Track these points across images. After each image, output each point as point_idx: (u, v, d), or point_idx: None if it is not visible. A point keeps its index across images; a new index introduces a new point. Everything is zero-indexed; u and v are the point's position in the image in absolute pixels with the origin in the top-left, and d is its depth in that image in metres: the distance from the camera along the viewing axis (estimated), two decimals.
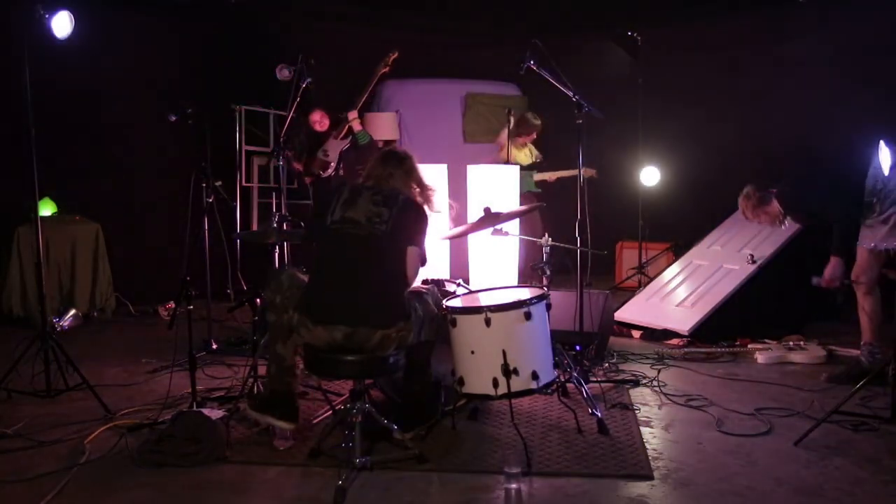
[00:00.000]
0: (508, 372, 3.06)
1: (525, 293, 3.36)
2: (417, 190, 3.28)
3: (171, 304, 5.92)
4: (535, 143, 6.67)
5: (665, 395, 3.88)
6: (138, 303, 6.21)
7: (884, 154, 3.55)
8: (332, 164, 5.92)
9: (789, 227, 5.46)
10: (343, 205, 3.08)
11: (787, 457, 3.05)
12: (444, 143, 7.47)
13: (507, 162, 6.51)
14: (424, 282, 3.69)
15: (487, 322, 3.07)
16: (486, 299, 3.34)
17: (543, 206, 4.87)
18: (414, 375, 3.28)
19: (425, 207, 3.24)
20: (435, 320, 3.19)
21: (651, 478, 2.85)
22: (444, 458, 3.03)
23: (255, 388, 3.66)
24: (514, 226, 4.69)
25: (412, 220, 3.12)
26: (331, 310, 2.95)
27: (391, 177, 3.20)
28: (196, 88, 6.35)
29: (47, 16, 3.72)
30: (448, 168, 5.08)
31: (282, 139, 4.87)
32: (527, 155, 6.59)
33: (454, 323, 3.17)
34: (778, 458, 3.04)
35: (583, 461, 3.00)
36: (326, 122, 5.97)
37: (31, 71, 3.75)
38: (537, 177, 6.64)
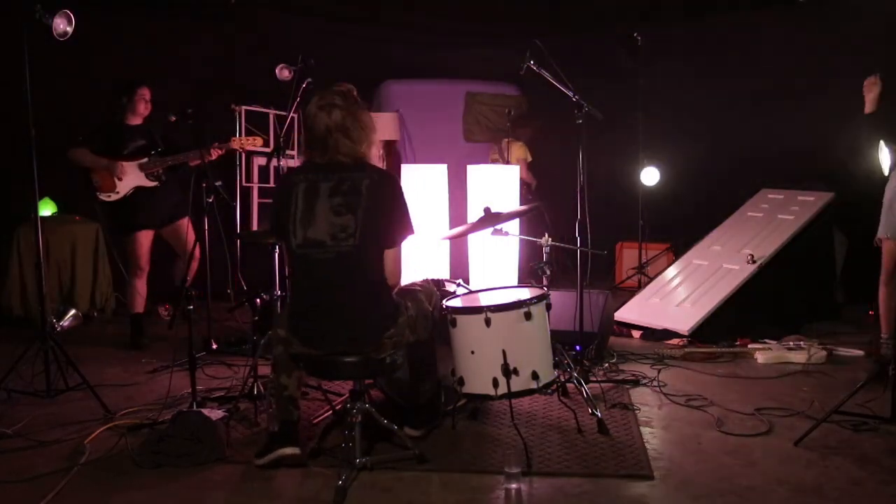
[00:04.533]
0: (508, 372, 3.06)
1: (525, 293, 3.36)
2: (374, 141, 2.92)
3: (171, 305, 5.93)
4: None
5: (665, 395, 3.88)
6: None
7: (883, 154, 3.56)
8: (116, 195, 4.79)
9: (789, 226, 5.49)
10: (302, 220, 2.82)
11: (787, 457, 3.05)
12: (444, 143, 7.48)
13: (508, 162, 6.54)
14: (425, 281, 3.68)
15: (487, 322, 3.07)
16: (486, 299, 3.34)
17: (542, 205, 4.88)
18: (420, 375, 3.27)
19: (394, 179, 2.92)
20: (428, 318, 3.15)
21: (651, 478, 2.85)
22: (444, 458, 3.03)
23: (255, 389, 3.66)
24: (514, 226, 4.69)
25: (384, 214, 2.85)
26: (313, 337, 2.89)
27: (337, 141, 2.83)
28: (196, 88, 6.35)
29: (47, 15, 3.72)
30: (448, 168, 5.08)
31: (281, 139, 4.87)
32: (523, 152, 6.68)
33: (454, 323, 3.16)
34: (778, 458, 3.04)
35: (583, 461, 3.00)
36: (149, 109, 4.89)
37: (32, 70, 3.75)
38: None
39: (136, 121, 4.93)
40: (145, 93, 4.88)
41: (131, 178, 4.83)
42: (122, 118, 4.90)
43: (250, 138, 4.97)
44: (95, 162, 4.80)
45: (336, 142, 2.86)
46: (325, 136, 2.86)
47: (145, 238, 4.95)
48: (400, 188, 2.95)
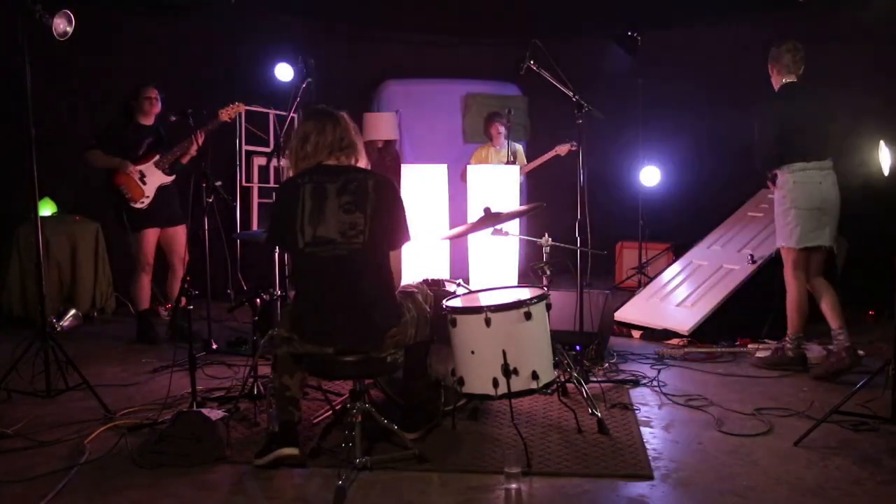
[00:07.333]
0: (508, 372, 3.06)
1: (525, 293, 3.36)
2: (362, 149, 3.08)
3: (171, 305, 5.92)
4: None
5: (665, 395, 3.88)
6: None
7: (883, 154, 3.55)
8: (147, 199, 4.91)
9: None
10: (311, 218, 2.86)
11: (787, 457, 3.05)
12: (444, 143, 7.49)
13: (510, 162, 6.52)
14: (424, 282, 3.68)
15: (487, 322, 3.07)
16: (486, 299, 3.34)
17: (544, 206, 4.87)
18: (414, 375, 3.28)
19: (394, 183, 3.02)
20: (427, 319, 3.18)
21: (651, 478, 2.85)
22: (444, 458, 3.03)
23: (255, 389, 3.66)
24: (514, 226, 4.69)
25: (390, 213, 2.92)
26: (319, 333, 2.90)
27: (348, 146, 2.97)
28: (196, 88, 6.35)
29: (47, 16, 3.72)
30: (448, 168, 5.08)
31: (281, 139, 4.88)
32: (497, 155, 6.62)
33: (454, 323, 3.16)
34: (778, 458, 3.04)
35: (583, 461, 3.00)
36: (158, 108, 4.99)
37: (32, 71, 3.75)
38: (524, 169, 6.67)
39: (147, 120, 5.03)
40: (149, 92, 4.97)
41: (154, 178, 4.95)
42: (134, 119, 5.01)
43: (234, 105, 5.00)
44: (108, 162, 4.88)
45: (340, 151, 2.99)
46: (330, 145, 2.97)
47: (153, 235, 5.06)
48: (399, 193, 3.05)
